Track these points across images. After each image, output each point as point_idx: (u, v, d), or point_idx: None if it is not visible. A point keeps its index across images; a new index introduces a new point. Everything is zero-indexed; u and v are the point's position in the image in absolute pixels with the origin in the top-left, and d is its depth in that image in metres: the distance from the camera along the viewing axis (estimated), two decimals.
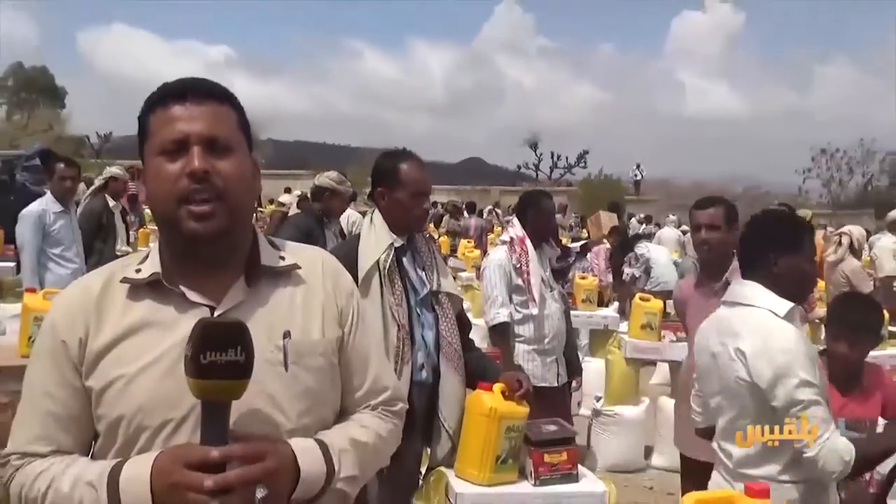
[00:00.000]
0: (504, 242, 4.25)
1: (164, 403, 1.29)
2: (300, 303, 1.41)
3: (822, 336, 7.58)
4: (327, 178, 5.19)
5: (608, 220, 10.46)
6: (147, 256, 1.40)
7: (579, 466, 2.77)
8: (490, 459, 2.62)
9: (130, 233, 8.45)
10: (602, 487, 2.70)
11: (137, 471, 1.23)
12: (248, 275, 1.38)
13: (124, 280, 1.36)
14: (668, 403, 5.67)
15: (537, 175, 45.55)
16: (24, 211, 5.47)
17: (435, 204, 16.98)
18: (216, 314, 1.33)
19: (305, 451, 1.32)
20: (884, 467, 3.24)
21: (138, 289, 1.35)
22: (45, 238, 5.39)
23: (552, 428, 2.79)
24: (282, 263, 1.42)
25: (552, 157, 46.83)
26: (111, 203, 7.08)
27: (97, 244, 6.51)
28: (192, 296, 1.34)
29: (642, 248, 9.79)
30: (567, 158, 46.50)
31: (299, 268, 1.44)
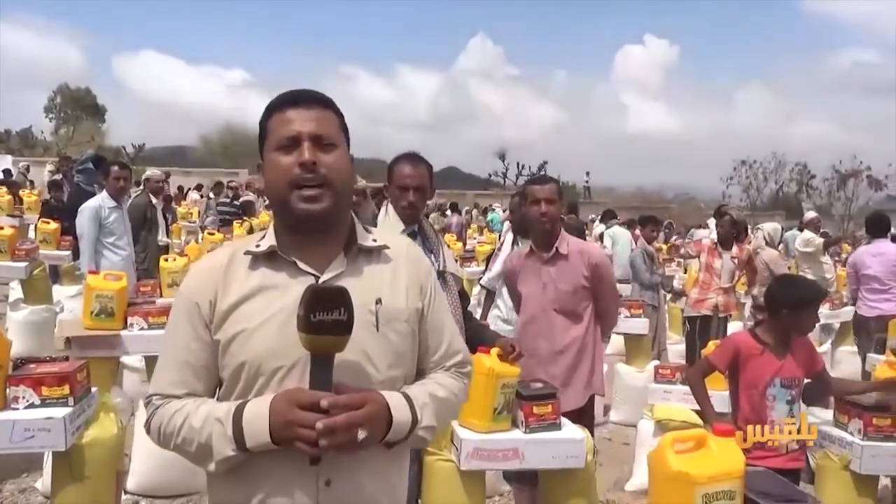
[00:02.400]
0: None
1: (277, 353, 1.30)
2: (388, 276, 1.43)
3: (746, 313, 7.72)
4: None
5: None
6: (265, 234, 1.42)
7: (561, 417, 2.80)
8: (488, 411, 2.64)
9: (168, 227, 8.37)
10: (581, 434, 2.73)
11: (258, 409, 1.25)
12: (347, 250, 1.41)
13: (247, 252, 1.39)
14: (623, 369, 5.73)
15: (505, 182, 45.50)
16: (84, 206, 5.36)
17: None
18: (320, 281, 1.35)
19: (395, 402, 1.33)
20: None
21: (258, 260, 1.38)
22: (101, 229, 5.30)
23: (539, 385, 2.81)
24: (374, 244, 1.44)
25: (517, 166, 46.82)
26: (153, 200, 7.03)
27: (142, 234, 6.45)
28: (302, 265, 1.37)
29: (609, 233, 9.92)
30: (530, 167, 46.39)
31: (388, 248, 1.46)
